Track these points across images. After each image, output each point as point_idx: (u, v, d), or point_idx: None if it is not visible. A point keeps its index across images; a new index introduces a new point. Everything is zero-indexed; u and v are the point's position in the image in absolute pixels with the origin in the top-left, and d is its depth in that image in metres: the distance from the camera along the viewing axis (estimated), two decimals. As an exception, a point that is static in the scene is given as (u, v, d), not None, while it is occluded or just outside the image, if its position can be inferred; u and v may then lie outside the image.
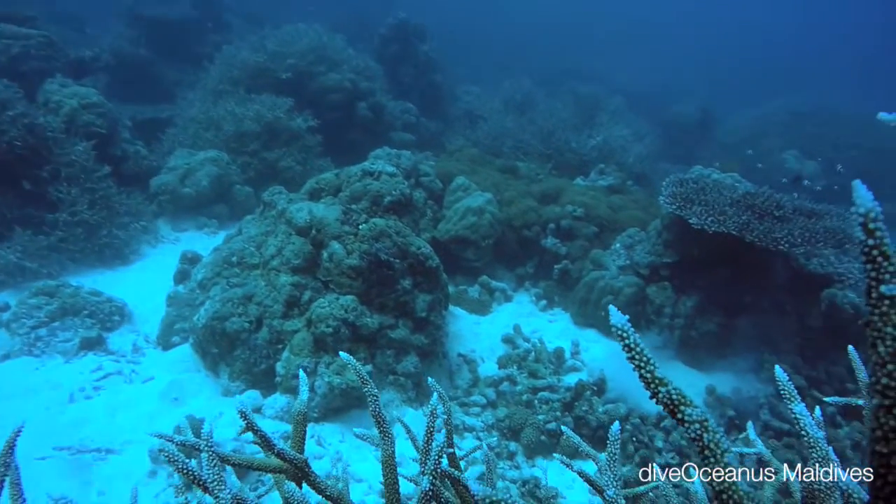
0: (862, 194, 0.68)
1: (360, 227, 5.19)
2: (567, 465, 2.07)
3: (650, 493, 2.10)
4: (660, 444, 4.44)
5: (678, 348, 5.83)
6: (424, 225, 7.33)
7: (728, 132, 13.73)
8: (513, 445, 4.64)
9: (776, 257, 5.55)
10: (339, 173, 5.92)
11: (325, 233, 5.13)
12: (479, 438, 4.74)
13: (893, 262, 0.68)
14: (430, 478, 1.15)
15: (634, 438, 4.50)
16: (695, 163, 12.90)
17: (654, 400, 0.82)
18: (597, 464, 1.82)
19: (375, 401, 1.48)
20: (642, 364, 0.82)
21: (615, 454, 1.36)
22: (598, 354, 5.81)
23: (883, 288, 0.70)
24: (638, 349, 0.81)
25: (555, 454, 2.36)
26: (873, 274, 0.71)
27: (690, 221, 5.34)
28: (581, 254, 7.08)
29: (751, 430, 2.14)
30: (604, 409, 4.83)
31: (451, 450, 2.07)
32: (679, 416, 0.80)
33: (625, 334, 0.82)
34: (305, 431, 1.65)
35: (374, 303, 5.07)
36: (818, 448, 1.10)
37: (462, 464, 4.44)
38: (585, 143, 10.21)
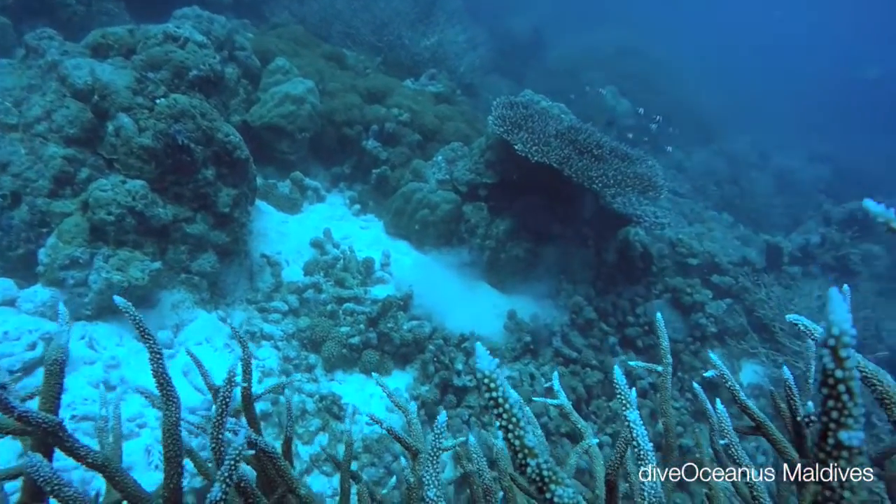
0: (837, 311, 0.55)
1: (158, 101, 4.47)
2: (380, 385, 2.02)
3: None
4: (459, 366, 4.66)
5: (486, 268, 6.09)
6: (236, 106, 6.60)
7: (556, 58, 14.23)
8: (313, 358, 4.56)
9: (587, 192, 5.93)
10: (133, 30, 4.98)
11: (112, 101, 4.34)
12: (277, 348, 4.58)
13: (860, 403, 0.56)
14: (223, 485, 0.96)
15: (436, 360, 4.65)
16: (523, 80, 13.26)
17: (520, 472, 0.68)
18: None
19: (158, 359, 1.22)
20: (510, 426, 0.67)
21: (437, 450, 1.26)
22: (408, 267, 5.85)
23: (843, 434, 0.56)
24: (507, 406, 0.67)
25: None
26: (835, 414, 0.56)
27: (515, 147, 5.44)
28: (402, 161, 6.95)
29: (556, 381, 2.23)
30: (409, 326, 4.90)
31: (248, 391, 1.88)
32: (548, 496, 0.67)
33: (491, 384, 0.66)
34: (61, 387, 1.33)
35: (168, 192, 4.49)
36: (646, 457, 1.09)
37: (256, 374, 4.26)
38: (419, 42, 9.85)
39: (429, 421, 4.32)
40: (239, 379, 1.86)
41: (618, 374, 1.19)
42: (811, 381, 1.82)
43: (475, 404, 4.53)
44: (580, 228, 6.28)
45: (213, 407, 1.30)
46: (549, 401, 2.15)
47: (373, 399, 4.41)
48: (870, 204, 1.00)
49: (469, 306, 5.69)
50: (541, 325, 5.43)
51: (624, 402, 1.10)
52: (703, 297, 6.32)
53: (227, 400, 1.21)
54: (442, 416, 1.33)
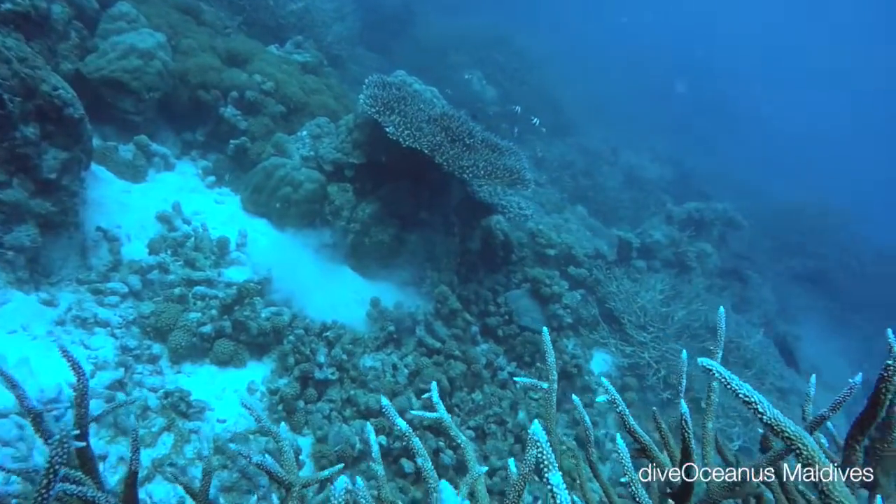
0: None
1: (-34, 41, 3.77)
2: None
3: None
4: (321, 358, 4.46)
5: (349, 253, 5.91)
6: (66, 52, 5.79)
7: (426, 35, 14.13)
8: (157, 347, 4.14)
9: (455, 180, 5.93)
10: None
11: None
12: (114, 336, 4.10)
13: None
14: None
15: (296, 350, 4.42)
16: (391, 56, 13.03)
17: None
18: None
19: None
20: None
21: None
22: (267, 249, 5.52)
23: None
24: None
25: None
26: None
27: (387, 130, 5.29)
28: (263, 133, 6.53)
29: (434, 393, 2.15)
30: (267, 314, 4.62)
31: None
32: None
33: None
34: None
35: (-23, 151, 3.83)
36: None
37: (88, 367, 3.78)
38: (285, 6, 9.31)
39: (287, 417, 4.10)
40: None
41: (536, 428, 1.09)
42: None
43: (337, 398, 4.37)
44: (447, 216, 6.28)
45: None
46: (427, 414, 2.06)
47: (226, 393, 4.10)
48: (704, 361, 1.15)
49: (331, 292, 5.49)
50: (405, 313, 5.37)
51: (546, 463, 1.01)
52: (561, 288, 6.61)
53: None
54: (339, 482, 1.18)
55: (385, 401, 1.76)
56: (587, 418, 2.16)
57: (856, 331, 10.97)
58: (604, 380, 1.84)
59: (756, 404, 1.04)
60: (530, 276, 6.80)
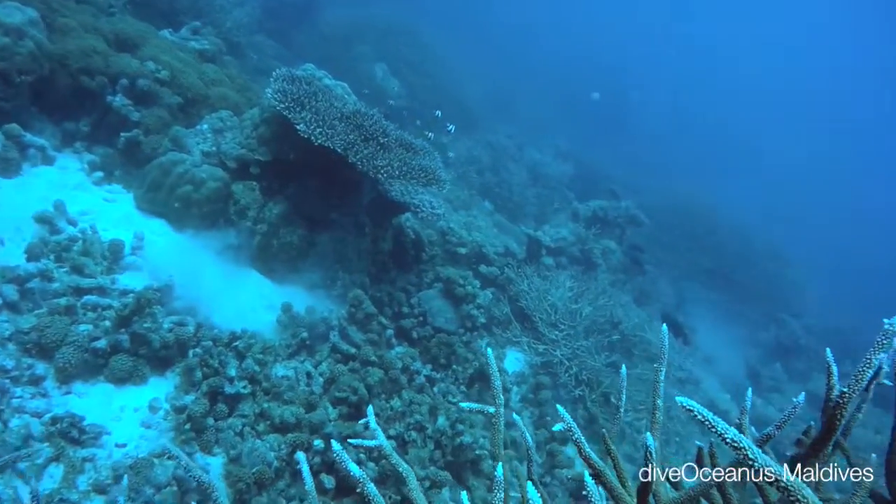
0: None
1: None
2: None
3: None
4: (232, 371, 4.20)
5: (256, 255, 5.62)
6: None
7: (329, 23, 13.76)
8: (41, 367, 3.73)
9: (366, 179, 5.78)
10: None
11: None
12: (-13, 356, 3.66)
13: None
14: None
15: (204, 364, 4.13)
16: (292, 45, 12.60)
17: None
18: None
19: None
20: None
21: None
22: (166, 252, 5.13)
23: None
24: None
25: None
26: None
27: (298, 128, 5.07)
28: (159, 126, 6.07)
29: (371, 418, 2.05)
30: (170, 324, 4.29)
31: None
32: None
33: None
34: None
35: None
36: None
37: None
38: (178, -15, 8.72)
39: (196, 437, 3.82)
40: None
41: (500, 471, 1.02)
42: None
43: (250, 412, 4.13)
44: (357, 215, 6.12)
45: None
46: (366, 442, 1.95)
47: (125, 413, 3.77)
48: (684, 401, 1.13)
49: (237, 298, 5.20)
50: (318, 318, 5.17)
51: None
52: (474, 288, 6.63)
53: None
54: None
55: (337, 446, 1.64)
56: (529, 437, 2.13)
57: (744, 321, 11.83)
58: (560, 408, 1.81)
59: (746, 450, 1.03)
60: (443, 275, 6.78)
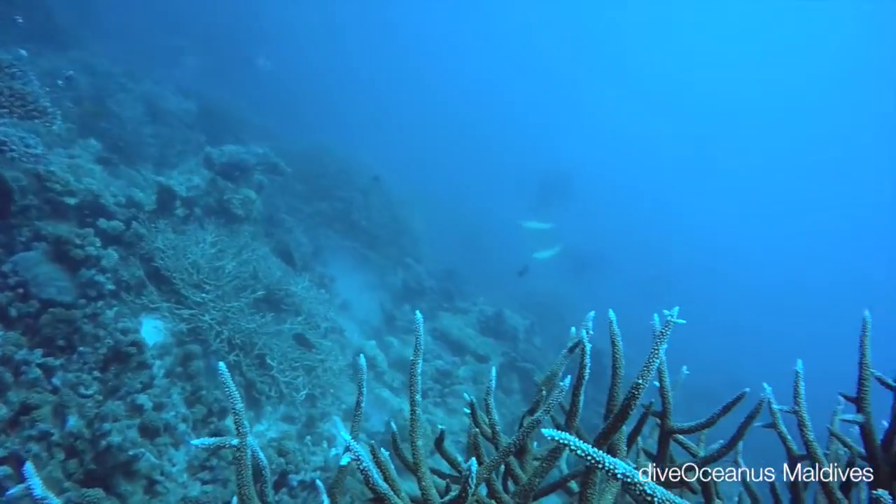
0: None
1: None
2: None
3: None
4: None
5: None
6: None
7: None
8: None
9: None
10: None
11: None
12: None
13: None
14: None
15: None
16: None
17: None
18: None
19: None
20: None
21: None
22: None
23: None
24: None
25: None
26: None
27: None
28: None
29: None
30: None
31: None
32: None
33: None
34: None
35: None
36: None
37: None
38: None
39: None
40: None
41: None
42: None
43: None
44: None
45: None
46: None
47: None
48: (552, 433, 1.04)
49: None
50: None
51: None
52: (97, 248, 5.51)
53: None
54: None
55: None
56: (263, 455, 1.74)
57: (373, 266, 12.60)
58: (223, 365, 1.47)
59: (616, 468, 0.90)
60: (48, 233, 5.47)
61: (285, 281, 7.93)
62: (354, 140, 20.47)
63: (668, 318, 1.55)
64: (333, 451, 6.02)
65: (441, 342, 10.41)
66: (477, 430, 2.22)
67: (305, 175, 13.24)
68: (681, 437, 1.92)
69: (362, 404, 1.81)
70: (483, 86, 43.10)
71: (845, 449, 2.05)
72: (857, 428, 1.90)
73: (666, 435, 1.89)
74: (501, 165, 30.89)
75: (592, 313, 2.32)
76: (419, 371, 1.82)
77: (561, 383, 1.69)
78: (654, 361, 1.49)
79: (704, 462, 1.85)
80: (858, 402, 1.90)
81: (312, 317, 7.95)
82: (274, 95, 19.91)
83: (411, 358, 1.83)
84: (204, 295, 6.13)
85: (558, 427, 1.70)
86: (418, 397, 1.79)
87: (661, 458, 1.92)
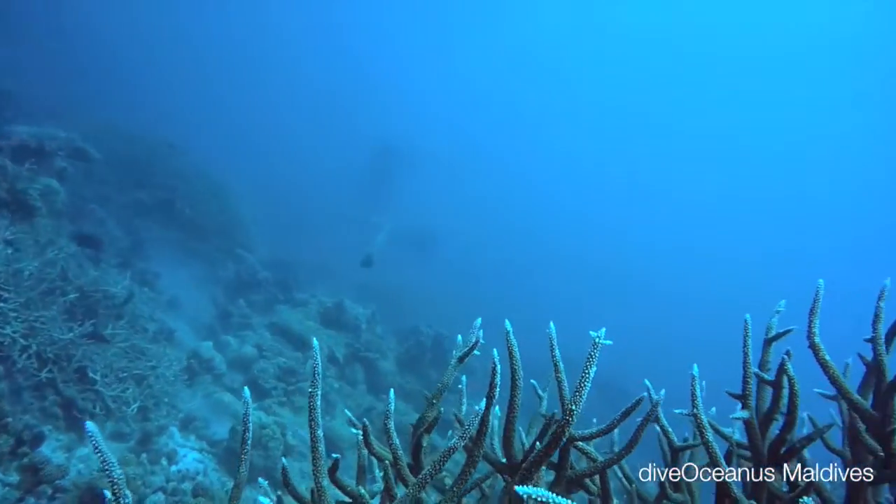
0: None
1: None
2: None
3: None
4: None
5: None
6: None
7: None
8: None
9: None
10: None
11: None
12: None
13: None
14: None
15: None
16: None
17: None
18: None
19: None
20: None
21: None
22: None
23: None
24: None
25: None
26: None
27: None
28: None
29: None
30: None
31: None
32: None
33: None
34: None
35: None
36: None
37: None
38: None
39: None
40: None
41: None
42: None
43: None
44: None
45: None
46: None
47: None
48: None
49: None
50: None
51: None
52: None
53: None
54: None
55: None
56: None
57: (202, 258, 11.68)
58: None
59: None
60: None
61: (102, 280, 7.09)
62: (163, 120, 18.84)
63: (596, 339, 1.52)
64: (174, 468, 5.48)
65: (280, 337, 9.92)
66: (366, 451, 2.09)
67: (118, 160, 11.88)
68: (580, 443, 1.94)
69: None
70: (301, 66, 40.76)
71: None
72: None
73: (567, 443, 1.90)
74: (334, 147, 30.11)
75: (479, 320, 2.28)
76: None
77: (476, 407, 1.59)
78: (585, 387, 1.46)
79: (605, 466, 1.89)
80: (742, 399, 2.07)
81: (137, 319, 7.21)
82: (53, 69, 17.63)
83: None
84: (1, 304, 5.24)
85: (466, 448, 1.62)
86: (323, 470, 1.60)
87: (561, 466, 1.93)
